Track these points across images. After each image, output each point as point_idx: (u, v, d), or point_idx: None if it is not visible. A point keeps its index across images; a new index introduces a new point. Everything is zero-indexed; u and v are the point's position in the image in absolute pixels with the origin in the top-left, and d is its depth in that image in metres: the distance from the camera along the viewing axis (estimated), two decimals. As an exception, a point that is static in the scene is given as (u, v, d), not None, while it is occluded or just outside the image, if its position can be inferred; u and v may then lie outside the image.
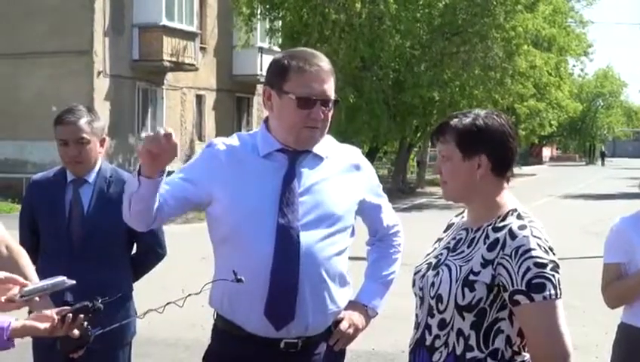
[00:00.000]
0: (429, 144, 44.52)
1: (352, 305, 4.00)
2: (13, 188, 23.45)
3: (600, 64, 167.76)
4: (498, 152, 3.26)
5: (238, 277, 3.46)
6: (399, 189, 39.23)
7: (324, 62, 3.81)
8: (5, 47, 31.04)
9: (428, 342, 3.31)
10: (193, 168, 3.88)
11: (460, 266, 3.22)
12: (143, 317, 3.72)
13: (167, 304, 3.39)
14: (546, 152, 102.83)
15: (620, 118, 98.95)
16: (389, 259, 4.19)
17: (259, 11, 36.43)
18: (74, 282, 3.52)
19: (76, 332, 3.39)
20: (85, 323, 3.41)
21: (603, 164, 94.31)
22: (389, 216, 4.21)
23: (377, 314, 4.11)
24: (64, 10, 30.75)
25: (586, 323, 10.61)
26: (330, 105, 3.80)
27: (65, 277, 3.52)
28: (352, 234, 3.97)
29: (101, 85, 31.86)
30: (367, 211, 4.08)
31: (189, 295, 3.42)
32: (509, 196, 3.33)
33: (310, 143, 3.83)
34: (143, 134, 34.04)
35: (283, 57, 3.85)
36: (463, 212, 3.50)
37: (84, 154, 4.98)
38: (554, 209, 29.60)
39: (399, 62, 35.95)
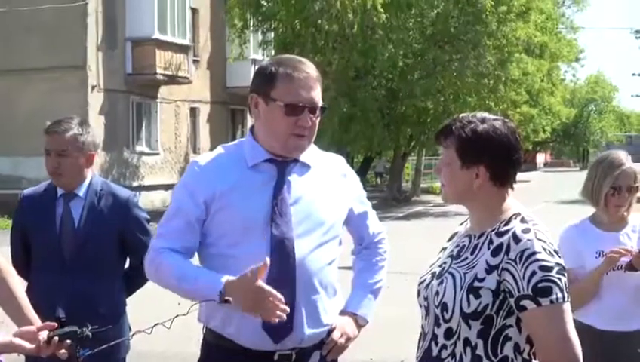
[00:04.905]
0: (424, 152, 44.57)
1: (342, 315, 3.96)
2: (9, 204, 23.24)
3: (591, 69, 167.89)
4: (498, 164, 3.20)
5: (225, 298, 3.45)
6: (394, 198, 39.23)
7: (312, 69, 3.78)
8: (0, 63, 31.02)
9: (435, 353, 3.24)
10: (182, 192, 3.82)
11: (464, 273, 3.16)
12: (131, 339, 3.69)
13: (155, 325, 3.37)
14: (540, 158, 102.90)
15: (612, 123, 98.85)
16: (376, 266, 4.15)
17: (251, 23, 36.38)
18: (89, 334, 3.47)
19: (65, 353, 3.37)
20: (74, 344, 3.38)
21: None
22: (375, 223, 4.17)
23: (367, 322, 4.06)
24: (57, 26, 30.63)
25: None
26: (318, 112, 3.77)
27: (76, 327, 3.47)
28: (340, 243, 3.95)
29: (95, 100, 31.76)
30: (354, 219, 4.05)
31: (177, 316, 3.38)
32: (513, 201, 3.28)
33: (298, 151, 3.80)
34: (138, 148, 34.03)
35: (270, 64, 3.82)
36: (466, 220, 3.44)
37: (64, 166, 4.95)
38: (550, 215, 29.52)
39: (393, 71, 35.94)
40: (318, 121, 3.80)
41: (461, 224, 3.51)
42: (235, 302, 3.50)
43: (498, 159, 3.20)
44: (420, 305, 3.38)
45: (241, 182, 3.75)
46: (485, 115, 3.28)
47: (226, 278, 3.53)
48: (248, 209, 3.71)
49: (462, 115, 3.31)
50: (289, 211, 3.73)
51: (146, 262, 3.88)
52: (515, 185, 3.30)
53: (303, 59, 3.84)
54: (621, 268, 4.79)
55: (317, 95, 3.76)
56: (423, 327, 3.36)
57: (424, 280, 3.38)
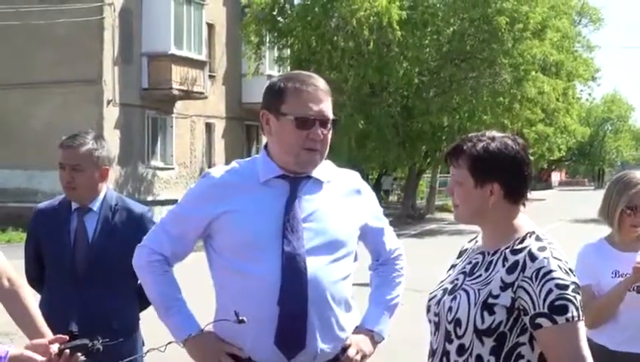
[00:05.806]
0: (439, 170, 44.50)
1: (358, 331, 3.95)
2: (24, 217, 23.38)
3: (607, 88, 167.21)
4: (511, 180, 3.22)
5: (240, 318, 3.45)
6: (408, 215, 39.20)
7: (321, 82, 3.79)
8: (15, 76, 31.03)
9: (446, 369, 3.25)
10: (190, 202, 3.88)
11: (479, 290, 3.16)
12: (145, 355, 3.70)
13: (169, 343, 3.40)
14: (555, 177, 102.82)
15: (628, 142, 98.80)
16: (393, 283, 4.14)
17: (267, 39, 36.52)
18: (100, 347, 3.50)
19: None
20: (84, 358, 3.40)
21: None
22: (391, 239, 4.17)
23: (383, 339, 4.05)
24: (73, 40, 30.76)
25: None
26: (329, 125, 3.78)
27: (87, 340, 3.49)
28: (355, 259, 3.94)
29: (111, 114, 31.86)
30: (369, 235, 4.05)
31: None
32: (525, 219, 3.29)
33: (310, 165, 3.80)
34: (153, 163, 34.13)
35: (279, 80, 3.83)
36: (475, 237, 3.45)
37: (78, 180, 4.96)
38: (565, 233, 29.47)
39: (408, 88, 36.01)
40: (329, 135, 3.81)
41: (469, 241, 3.51)
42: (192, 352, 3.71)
43: (511, 175, 3.22)
44: (430, 321, 3.38)
45: (253, 198, 3.76)
46: (494, 133, 3.31)
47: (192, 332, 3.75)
48: (259, 225, 3.72)
49: (470, 134, 3.34)
50: (301, 227, 3.73)
51: (136, 256, 3.98)
52: (530, 204, 3.30)
53: (312, 74, 3.88)
54: (634, 289, 4.79)
55: (327, 107, 3.77)
56: (431, 343, 3.37)
57: (434, 296, 3.38)
